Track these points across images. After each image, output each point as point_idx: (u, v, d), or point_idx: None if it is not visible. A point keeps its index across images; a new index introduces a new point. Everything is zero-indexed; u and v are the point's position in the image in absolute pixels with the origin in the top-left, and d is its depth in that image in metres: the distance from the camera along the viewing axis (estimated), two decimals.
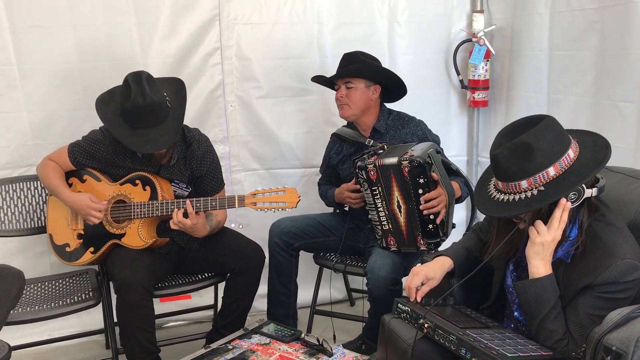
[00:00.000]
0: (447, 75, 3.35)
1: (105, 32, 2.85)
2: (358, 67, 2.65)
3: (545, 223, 1.63)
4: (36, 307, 2.39)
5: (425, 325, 1.70)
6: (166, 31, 2.92)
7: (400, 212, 2.41)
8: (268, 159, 3.22)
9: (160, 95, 2.34)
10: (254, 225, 3.15)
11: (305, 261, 2.88)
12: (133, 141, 2.35)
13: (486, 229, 1.98)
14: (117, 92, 2.41)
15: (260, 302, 3.00)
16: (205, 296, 3.08)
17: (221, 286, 2.73)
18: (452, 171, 2.55)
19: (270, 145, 3.20)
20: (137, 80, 2.31)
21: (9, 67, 2.76)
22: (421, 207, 2.34)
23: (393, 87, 2.73)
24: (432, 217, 2.35)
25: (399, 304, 1.85)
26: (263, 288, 2.75)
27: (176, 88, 2.48)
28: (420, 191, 2.33)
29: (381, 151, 2.47)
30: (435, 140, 2.67)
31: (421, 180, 2.31)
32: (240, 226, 3.16)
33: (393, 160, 2.34)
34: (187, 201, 2.35)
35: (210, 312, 3.11)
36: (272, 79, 3.12)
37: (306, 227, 2.77)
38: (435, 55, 3.31)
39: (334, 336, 2.82)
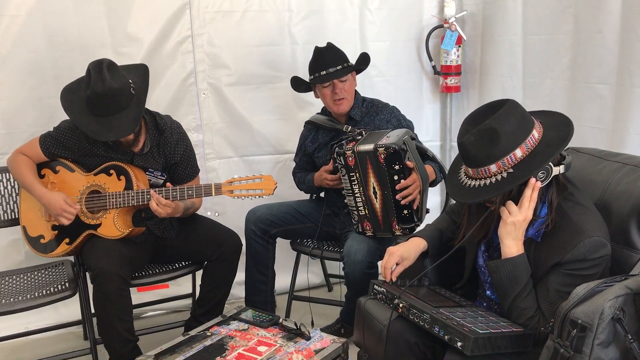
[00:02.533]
0: (420, 61, 3.38)
1: (75, 20, 2.82)
2: (362, 58, 2.69)
3: (516, 203, 1.67)
4: (11, 299, 2.37)
5: (400, 305, 1.74)
6: (137, 19, 2.90)
7: (376, 197, 2.44)
8: (242, 146, 3.23)
9: (122, 82, 2.31)
10: (230, 213, 3.16)
11: (283, 248, 2.90)
12: (95, 129, 2.32)
13: (458, 211, 2.02)
14: (83, 81, 2.39)
15: (238, 290, 3.02)
16: (183, 285, 3.08)
17: (199, 274, 2.74)
18: (427, 157, 2.58)
19: (243, 133, 3.21)
20: (98, 68, 2.29)
21: None
22: (397, 197, 2.37)
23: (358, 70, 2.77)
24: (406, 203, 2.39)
25: (374, 285, 1.88)
26: (240, 275, 2.77)
27: (142, 74, 2.46)
28: (396, 177, 2.36)
29: (359, 137, 2.49)
30: (409, 126, 2.70)
31: (396, 167, 2.34)
32: (217, 214, 3.15)
33: (369, 146, 2.36)
34: (152, 191, 2.35)
35: (189, 301, 3.11)
36: (243, 67, 3.12)
37: (282, 214, 2.79)
38: (407, 42, 3.34)
39: (312, 321, 2.85)
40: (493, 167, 1.65)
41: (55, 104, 2.73)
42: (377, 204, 2.45)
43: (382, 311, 1.85)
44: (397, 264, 1.92)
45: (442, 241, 2.01)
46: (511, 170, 1.64)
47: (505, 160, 1.64)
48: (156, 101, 2.94)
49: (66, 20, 2.81)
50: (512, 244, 1.69)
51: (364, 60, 2.74)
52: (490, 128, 1.63)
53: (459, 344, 1.55)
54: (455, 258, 1.85)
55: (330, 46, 2.72)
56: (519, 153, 1.64)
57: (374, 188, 2.43)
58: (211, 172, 3.19)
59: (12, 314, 2.34)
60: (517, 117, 1.66)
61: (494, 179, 1.66)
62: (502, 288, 1.70)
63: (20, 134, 2.75)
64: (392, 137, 2.38)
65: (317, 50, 2.71)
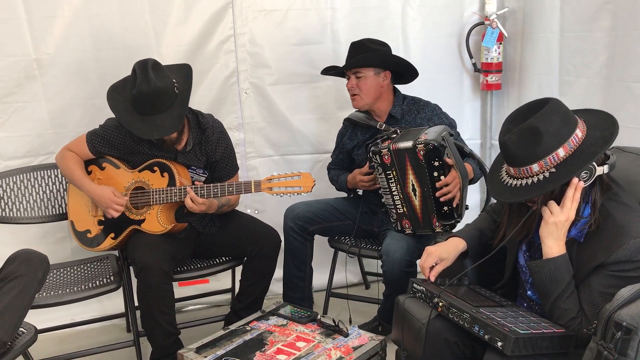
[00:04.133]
0: (460, 58, 3.34)
1: (120, 20, 2.88)
2: (364, 57, 2.65)
3: (558, 203, 1.65)
4: (59, 292, 2.46)
5: (440, 304, 1.74)
6: (180, 19, 2.94)
7: (415, 195, 2.44)
8: (282, 145, 3.24)
9: (167, 82, 2.37)
10: (269, 210, 3.19)
11: (321, 245, 2.92)
12: (140, 127, 2.39)
13: (499, 210, 2.00)
14: (128, 80, 2.46)
15: (276, 286, 3.04)
16: (222, 280, 3.13)
17: (238, 270, 2.78)
18: (465, 154, 2.56)
19: (284, 132, 3.22)
20: (143, 67, 2.35)
21: (27, 58, 2.81)
22: (437, 194, 2.35)
23: (403, 71, 2.74)
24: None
25: (414, 284, 1.89)
26: (279, 272, 2.79)
27: (185, 74, 2.51)
28: (435, 174, 2.35)
29: (394, 135, 2.49)
30: (452, 124, 2.68)
31: (436, 163, 2.33)
32: (256, 212, 3.20)
33: (408, 144, 2.36)
34: (187, 188, 2.39)
35: (228, 296, 3.16)
36: (285, 66, 3.13)
37: (320, 211, 2.81)
38: (448, 39, 3.31)
39: (350, 318, 2.86)
40: (535, 167, 1.63)
41: (100, 104, 2.81)
42: (416, 202, 2.44)
43: (421, 310, 1.85)
44: (435, 264, 1.92)
45: (482, 241, 2.00)
46: (553, 170, 1.62)
47: (548, 160, 1.62)
48: (199, 100, 2.98)
49: (111, 20, 2.87)
50: (553, 244, 1.67)
51: (383, 61, 2.68)
52: (533, 127, 1.62)
53: (499, 343, 1.55)
54: (496, 258, 1.84)
55: (360, 41, 2.71)
56: (561, 152, 1.62)
57: (413, 185, 2.42)
58: (252, 171, 3.22)
59: (59, 305, 2.42)
60: (560, 116, 1.64)
61: (535, 179, 1.64)
62: (544, 288, 1.69)
63: (67, 134, 2.82)
64: (430, 133, 2.37)
65: (350, 45, 2.73)
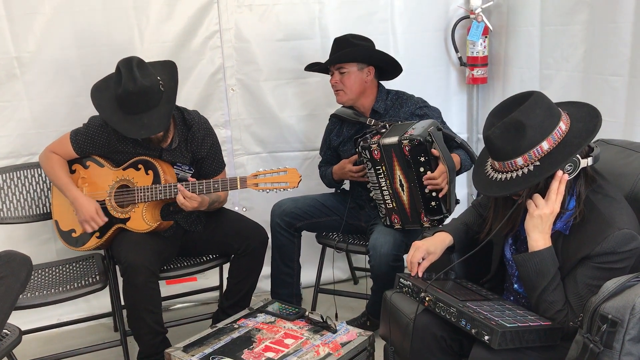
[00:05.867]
0: (447, 52, 3.34)
1: (102, 17, 2.84)
2: (348, 51, 2.64)
3: (543, 196, 1.65)
4: (44, 292, 2.43)
5: (427, 298, 1.74)
6: (164, 15, 2.91)
7: (402, 190, 2.43)
8: (270, 142, 3.22)
9: (152, 80, 2.34)
10: (257, 208, 3.18)
11: (309, 242, 2.91)
12: (127, 127, 2.37)
13: (485, 204, 2.00)
14: (111, 79, 2.43)
15: (264, 283, 3.04)
16: (210, 278, 3.12)
17: (226, 267, 2.77)
18: (456, 144, 2.56)
19: (272, 129, 3.20)
20: (128, 66, 2.32)
21: (8, 56, 2.77)
22: (425, 182, 2.35)
23: (387, 66, 2.73)
24: (434, 193, 2.37)
25: (400, 279, 1.88)
26: (266, 269, 2.79)
27: (169, 71, 2.48)
28: (422, 169, 2.35)
29: (384, 130, 2.48)
30: (436, 112, 2.68)
31: (422, 159, 2.33)
32: (244, 209, 3.19)
33: (394, 139, 2.35)
34: (179, 185, 2.37)
35: (216, 293, 3.15)
36: (272, 62, 3.10)
37: (308, 207, 2.80)
38: (435, 33, 3.30)
39: (336, 314, 2.86)
40: (519, 160, 1.63)
41: (84, 102, 2.78)
42: (405, 197, 2.44)
43: (408, 305, 1.85)
44: (422, 259, 1.91)
45: (469, 235, 1.99)
46: (538, 163, 1.62)
47: (532, 153, 1.62)
48: (185, 98, 2.96)
49: (93, 17, 2.83)
50: (539, 237, 1.67)
51: (363, 55, 2.67)
52: (516, 121, 1.61)
53: (486, 337, 1.55)
54: (482, 252, 1.84)
55: (344, 36, 2.70)
56: (545, 145, 1.62)
57: (400, 181, 2.42)
58: (239, 168, 3.20)
59: (45, 306, 2.40)
60: (543, 109, 1.64)
61: (520, 172, 1.64)
62: (530, 281, 1.69)
63: (50, 133, 2.78)
64: (417, 129, 2.36)
65: (334, 39, 2.72)
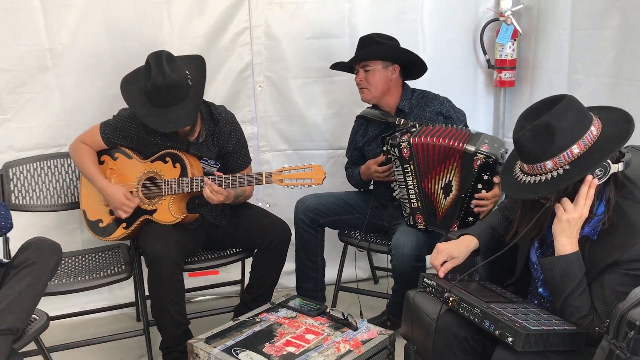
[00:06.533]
0: (475, 54, 3.32)
1: (135, 11, 2.87)
2: (373, 49, 2.65)
3: (572, 200, 1.64)
4: (71, 279, 2.48)
5: (451, 298, 1.74)
6: (195, 10, 2.93)
7: (446, 193, 2.42)
8: (296, 140, 3.23)
9: (180, 74, 2.38)
10: (280, 204, 3.19)
11: (330, 239, 2.92)
12: (155, 120, 2.40)
13: (511, 207, 1.99)
14: (141, 72, 2.47)
15: (286, 279, 3.06)
16: (232, 271, 3.14)
17: (248, 262, 2.79)
18: None
19: (298, 126, 3.21)
20: (158, 60, 2.36)
21: (41, 48, 2.80)
22: (476, 202, 2.35)
23: (412, 65, 2.73)
24: (476, 211, 2.37)
25: (424, 278, 1.89)
26: (289, 265, 2.80)
27: (198, 65, 2.52)
28: (479, 186, 2.34)
29: (414, 129, 2.48)
30: (461, 115, 2.68)
31: (485, 177, 2.32)
32: (268, 205, 3.21)
33: (471, 148, 2.33)
34: (205, 178, 2.40)
35: (237, 287, 3.18)
36: (301, 60, 3.11)
37: (331, 204, 2.81)
38: (463, 35, 3.28)
39: (361, 312, 2.86)
40: (549, 164, 1.63)
41: (114, 95, 2.81)
42: (442, 200, 2.44)
43: (431, 304, 1.85)
44: (445, 262, 1.91)
45: (494, 238, 1.99)
46: (567, 167, 1.61)
47: (562, 157, 1.61)
48: (214, 93, 2.97)
49: (126, 11, 2.86)
50: (566, 242, 1.66)
51: (388, 54, 2.68)
52: (547, 124, 1.61)
53: (510, 339, 1.55)
54: (507, 254, 1.83)
55: (369, 35, 2.70)
56: (576, 149, 1.61)
57: (450, 184, 2.41)
58: (264, 165, 3.21)
59: (71, 293, 2.45)
60: (574, 112, 1.63)
61: (549, 176, 1.64)
62: (555, 285, 1.68)
63: (78, 126, 2.81)
64: (490, 145, 2.35)
65: (359, 38, 2.72)
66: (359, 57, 2.67)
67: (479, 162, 2.31)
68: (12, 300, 1.85)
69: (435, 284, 1.83)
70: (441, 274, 1.90)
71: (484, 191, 2.34)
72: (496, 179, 2.31)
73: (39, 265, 1.93)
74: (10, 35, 2.75)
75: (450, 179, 2.42)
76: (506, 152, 2.36)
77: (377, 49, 2.66)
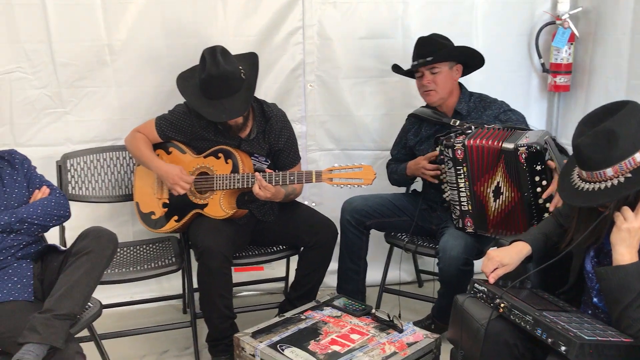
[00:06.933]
0: (529, 58, 3.26)
1: (191, 9, 2.92)
2: (449, 49, 2.64)
3: (633, 209, 1.60)
4: (123, 270, 2.55)
5: (502, 305, 1.72)
6: (250, 9, 2.97)
7: (496, 197, 2.39)
8: (344, 140, 3.24)
9: (234, 67, 2.44)
10: (326, 203, 3.20)
11: (374, 240, 2.91)
12: (209, 111, 2.46)
13: (567, 214, 1.95)
14: (196, 69, 2.54)
15: (329, 278, 3.05)
16: (276, 268, 3.18)
17: (292, 259, 2.81)
18: (567, 156, 2.49)
19: (346, 126, 3.21)
20: (212, 53, 2.43)
21: (100, 43, 2.88)
22: (551, 208, 2.26)
23: (472, 63, 2.71)
24: (548, 204, 2.29)
25: (475, 284, 1.87)
26: (332, 265, 2.80)
27: (251, 62, 2.57)
28: (537, 179, 2.28)
29: (469, 131, 2.46)
30: (520, 117, 2.63)
31: (538, 167, 2.27)
32: (313, 204, 3.22)
33: (509, 145, 2.30)
34: (256, 174, 2.43)
35: (281, 284, 3.21)
36: (353, 60, 3.11)
37: (378, 206, 2.80)
38: (518, 38, 3.24)
39: (399, 314, 2.84)
40: (609, 171, 1.59)
41: (168, 91, 2.88)
42: (492, 203, 2.40)
43: (480, 310, 1.82)
44: (495, 269, 1.89)
45: (547, 245, 1.95)
46: (629, 175, 1.57)
47: (623, 164, 1.57)
48: (265, 92, 3.00)
49: (182, 8, 2.91)
50: (625, 251, 1.62)
51: (461, 53, 2.67)
52: (609, 130, 1.57)
53: (563, 348, 1.52)
54: (560, 262, 1.80)
55: (429, 36, 2.68)
56: (638, 157, 1.57)
57: (498, 187, 2.38)
58: (312, 164, 3.22)
59: (122, 283, 2.51)
60: (638, 119, 1.59)
61: (609, 183, 1.60)
62: (612, 296, 1.64)
63: (134, 120, 2.88)
64: (531, 137, 2.30)
65: (417, 40, 2.70)
66: (440, 57, 2.62)
67: (523, 156, 2.26)
68: (70, 286, 1.91)
69: (486, 289, 1.81)
70: (491, 280, 1.87)
71: (544, 182, 2.27)
72: (551, 163, 2.25)
73: (96, 254, 1.99)
74: (71, 31, 2.84)
75: (499, 180, 2.38)
76: (553, 138, 2.31)
77: (452, 49, 2.65)
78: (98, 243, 2.02)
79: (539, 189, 2.28)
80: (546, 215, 2.29)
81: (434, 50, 2.63)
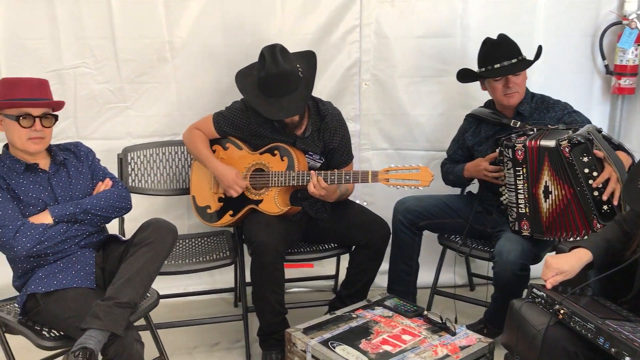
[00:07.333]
0: (592, 59, 3.17)
1: (251, 7, 2.96)
2: (540, 51, 2.61)
3: None
4: (179, 261, 2.60)
5: (561, 311, 1.68)
6: (308, 7, 2.99)
7: (546, 197, 2.34)
8: (398, 140, 3.21)
9: (292, 65, 2.46)
10: (378, 203, 3.18)
11: (426, 242, 2.88)
12: (267, 109, 2.49)
13: (632, 220, 1.89)
14: (254, 67, 2.57)
15: (379, 278, 3.03)
16: (326, 266, 3.19)
17: (343, 258, 2.81)
18: (614, 146, 2.41)
19: (401, 126, 3.19)
20: (271, 51, 2.46)
21: (161, 40, 2.95)
22: (604, 197, 2.21)
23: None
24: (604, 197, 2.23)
25: (534, 289, 1.83)
26: (383, 265, 2.78)
27: (308, 59, 2.59)
28: (587, 171, 2.22)
29: (531, 133, 2.41)
30: (585, 120, 2.56)
31: (585, 159, 2.21)
32: (365, 203, 3.21)
33: (550, 142, 2.26)
34: (312, 172, 2.44)
35: (330, 282, 3.22)
36: (409, 59, 3.08)
37: (432, 207, 2.77)
38: (581, 38, 3.14)
39: (456, 318, 2.81)
40: None
41: (226, 88, 2.93)
42: (544, 204, 2.36)
43: (537, 316, 1.79)
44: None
45: (609, 253, 1.89)
46: None
47: None
48: (320, 90, 3.01)
49: (242, 6, 2.95)
50: None
51: (539, 54, 2.63)
52: None
53: (628, 358, 1.47)
54: (624, 270, 1.74)
55: (503, 38, 2.63)
56: None
57: (546, 187, 2.33)
58: (364, 163, 3.21)
59: (177, 274, 2.57)
60: None
61: None
62: None
63: (192, 116, 2.93)
64: (573, 130, 2.26)
65: (490, 42, 2.64)
66: (536, 59, 2.61)
67: (567, 149, 2.21)
68: (131, 276, 1.97)
69: (545, 295, 1.77)
70: (548, 285, 1.83)
71: (594, 173, 2.21)
72: (598, 153, 2.19)
73: (157, 245, 2.04)
74: (134, 28, 2.92)
75: (546, 180, 2.33)
76: (598, 130, 2.24)
77: (539, 52, 2.62)
78: (159, 234, 2.07)
79: (591, 181, 2.22)
80: (605, 207, 2.22)
81: (517, 52, 2.59)
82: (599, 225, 2.26)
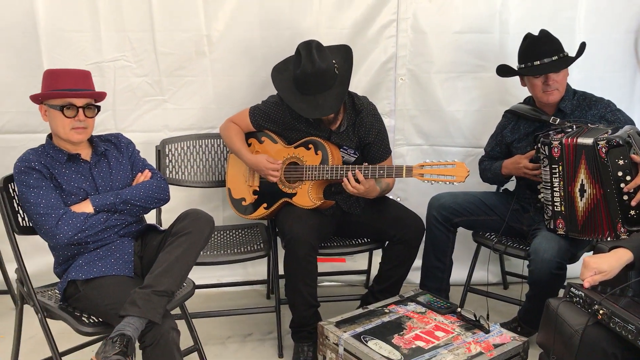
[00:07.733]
0: (635, 56, 3.09)
1: (289, 2, 2.97)
2: (582, 48, 2.56)
3: None
4: (215, 252, 2.64)
5: (600, 311, 1.65)
6: (345, 2, 2.98)
7: (582, 196, 2.31)
8: (433, 135, 3.19)
9: (328, 63, 2.46)
10: (411, 199, 3.17)
11: (460, 238, 2.86)
12: (302, 107, 2.49)
13: None
14: (290, 61, 2.57)
15: (412, 274, 3.01)
16: (358, 261, 3.19)
17: (375, 253, 2.80)
18: None
19: (436, 122, 3.17)
20: (307, 48, 2.45)
21: (199, 34, 2.98)
22: (632, 202, 2.18)
23: None
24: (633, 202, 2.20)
25: (572, 288, 1.80)
26: (417, 261, 2.77)
27: (344, 55, 2.58)
28: (620, 174, 2.19)
29: (569, 130, 2.38)
30: (629, 120, 2.51)
31: (620, 162, 2.18)
32: (398, 198, 3.21)
33: (588, 141, 2.23)
34: (357, 169, 2.44)
35: (362, 277, 3.22)
36: (446, 54, 3.06)
37: (467, 203, 2.75)
38: (624, 35, 3.07)
39: (488, 315, 2.78)
40: None
41: (262, 82, 2.95)
42: (580, 203, 2.32)
43: (575, 315, 1.76)
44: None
45: None
46: None
47: None
48: (356, 84, 3.01)
49: (279, 1, 2.96)
50: None
51: (581, 51, 2.58)
52: None
53: None
54: None
55: (545, 34, 2.58)
56: None
57: (582, 185, 2.30)
58: (398, 158, 3.20)
59: (213, 265, 2.59)
60: None
61: None
62: None
63: (229, 109, 2.97)
64: (613, 131, 2.22)
65: (531, 37, 2.59)
66: (578, 56, 2.57)
67: (603, 150, 2.17)
68: (169, 265, 2.00)
69: (583, 294, 1.75)
70: (586, 285, 1.80)
71: (628, 177, 2.17)
72: (636, 157, 2.14)
73: (195, 235, 2.07)
74: (172, 21, 2.95)
75: (582, 178, 2.29)
76: (639, 133, 2.19)
77: (583, 47, 2.57)
78: (196, 224, 2.10)
79: (622, 185, 2.18)
80: (632, 213, 2.19)
81: (558, 49, 2.55)
82: (622, 230, 2.23)
